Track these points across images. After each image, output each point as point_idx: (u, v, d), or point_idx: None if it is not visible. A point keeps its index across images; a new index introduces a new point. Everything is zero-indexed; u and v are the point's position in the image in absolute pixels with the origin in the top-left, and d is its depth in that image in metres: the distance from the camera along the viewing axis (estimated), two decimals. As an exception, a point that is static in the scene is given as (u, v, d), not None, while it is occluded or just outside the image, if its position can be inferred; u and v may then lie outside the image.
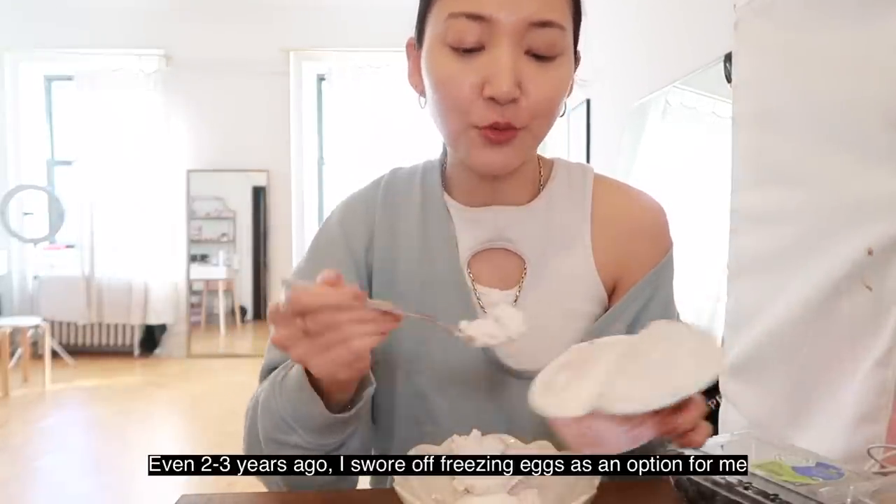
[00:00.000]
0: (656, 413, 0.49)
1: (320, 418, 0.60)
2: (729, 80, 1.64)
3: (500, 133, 0.64)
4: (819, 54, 1.23)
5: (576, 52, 0.70)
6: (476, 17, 0.61)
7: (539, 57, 0.63)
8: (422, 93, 0.70)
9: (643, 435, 0.50)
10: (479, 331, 0.59)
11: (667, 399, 0.47)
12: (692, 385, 0.48)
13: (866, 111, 1.11)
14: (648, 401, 0.47)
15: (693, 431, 0.51)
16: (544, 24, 0.61)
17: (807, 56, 1.26)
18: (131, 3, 4.98)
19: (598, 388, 0.50)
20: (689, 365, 0.49)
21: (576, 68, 0.71)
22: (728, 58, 1.66)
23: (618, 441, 0.50)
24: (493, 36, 0.61)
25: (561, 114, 0.69)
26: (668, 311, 0.75)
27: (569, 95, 0.70)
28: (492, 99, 0.62)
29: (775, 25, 1.37)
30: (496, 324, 0.59)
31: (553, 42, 0.62)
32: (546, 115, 0.65)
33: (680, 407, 0.49)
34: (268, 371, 0.76)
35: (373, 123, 4.97)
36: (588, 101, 3.59)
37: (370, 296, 0.75)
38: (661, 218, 0.76)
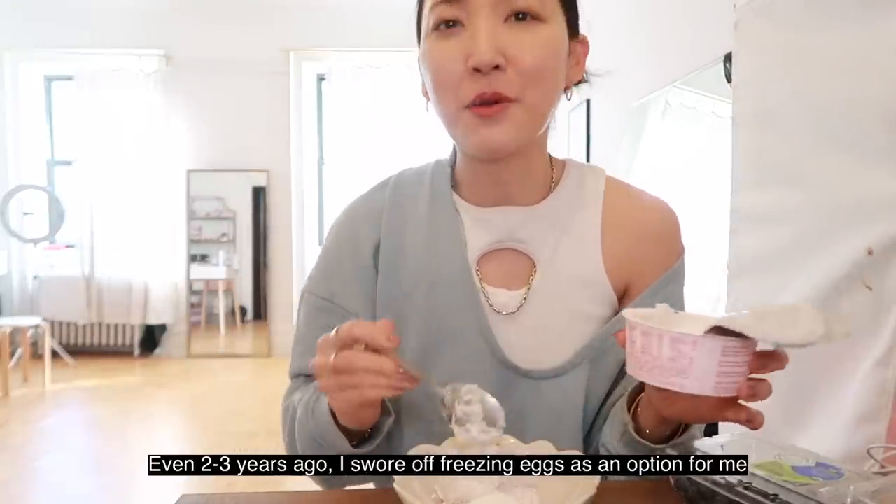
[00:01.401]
0: (753, 365, 0.50)
1: (345, 450, 0.65)
2: (729, 80, 1.64)
3: (489, 107, 0.64)
4: (819, 54, 1.23)
5: (579, 36, 0.71)
6: (451, 0, 0.64)
7: (519, 20, 0.64)
8: (429, 99, 0.71)
9: (728, 384, 0.49)
10: (471, 435, 0.60)
11: (783, 338, 0.47)
12: (803, 338, 0.47)
13: (866, 111, 1.11)
14: (766, 335, 0.47)
15: (757, 413, 0.53)
16: None
17: (807, 56, 1.26)
18: (131, 3, 4.98)
19: (710, 319, 0.49)
20: (802, 323, 0.48)
21: (585, 55, 0.72)
22: (728, 58, 1.66)
23: (705, 376, 0.49)
24: (468, 13, 0.64)
25: (568, 97, 0.70)
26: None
27: (578, 83, 0.71)
28: (477, 70, 0.63)
29: (775, 25, 1.37)
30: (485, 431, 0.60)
31: (530, 5, 0.64)
32: (537, 82, 0.65)
33: (767, 368, 0.51)
34: (296, 375, 0.79)
35: (373, 123, 4.97)
36: (588, 101, 3.59)
37: (373, 299, 0.75)
38: (673, 223, 0.76)
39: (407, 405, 0.74)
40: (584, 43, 0.72)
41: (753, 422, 0.53)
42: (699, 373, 0.49)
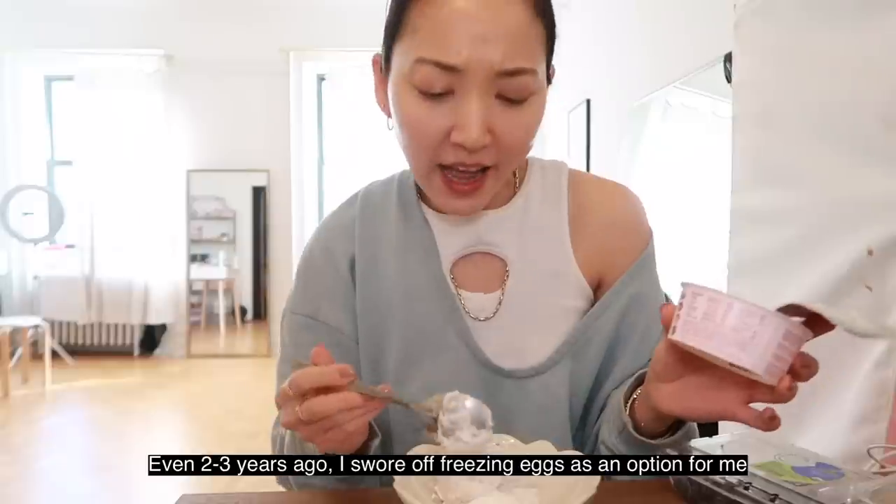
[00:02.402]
0: (796, 361, 0.49)
1: (332, 475, 0.63)
2: (729, 80, 1.64)
3: (465, 184, 0.64)
4: (818, 54, 1.23)
5: (549, 69, 0.68)
6: (445, 67, 0.60)
7: (510, 101, 0.62)
8: (389, 115, 0.70)
9: (777, 368, 0.49)
10: (463, 442, 0.59)
11: (863, 329, 0.47)
12: (871, 331, 0.47)
13: (865, 111, 1.11)
14: (848, 323, 0.47)
15: (777, 416, 0.52)
16: (515, 73, 0.60)
17: (806, 56, 1.26)
18: (131, 3, 4.98)
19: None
20: (859, 320, 0.48)
21: (550, 83, 0.70)
22: (728, 58, 1.66)
23: (763, 353, 0.48)
24: (462, 83, 0.60)
25: None
26: (657, 296, 0.76)
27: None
28: (460, 145, 0.61)
29: (775, 25, 1.37)
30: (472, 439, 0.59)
31: (524, 86, 0.62)
32: (515, 156, 0.66)
33: (810, 369, 0.51)
34: None
35: (373, 123, 4.96)
36: (588, 101, 3.59)
37: (355, 312, 0.75)
38: (638, 208, 0.77)
39: (395, 422, 0.74)
40: (552, 75, 0.70)
41: (775, 419, 0.52)
42: (758, 349, 0.48)
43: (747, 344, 0.49)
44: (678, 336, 0.52)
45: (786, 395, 0.50)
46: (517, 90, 0.61)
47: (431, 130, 0.62)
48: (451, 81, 0.60)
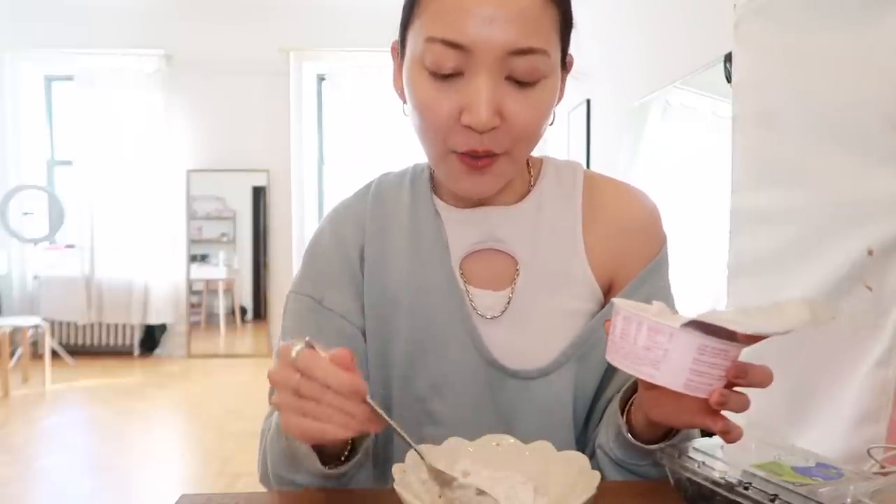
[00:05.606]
0: (731, 373, 0.49)
1: (317, 469, 0.61)
2: (729, 80, 1.64)
3: (478, 160, 0.64)
4: (819, 54, 1.23)
5: (566, 57, 0.68)
6: (454, 45, 0.59)
7: (520, 82, 0.61)
8: (405, 100, 0.69)
9: (701, 384, 0.48)
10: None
11: (769, 328, 0.46)
12: (790, 325, 0.46)
13: (866, 111, 1.11)
14: (751, 327, 0.46)
15: (735, 427, 0.52)
16: (525, 52, 0.60)
17: (807, 56, 1.27)
18: (131, 3, 4.98)
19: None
20: (789, 313, 0.48)
21: (568, 72, 0.70)
22: (728, 58, 1.66)
23: (677, 370, 0.48)
24: (471, 63, 0.60)
25: (550, 122, 0.68)
26: (668, 302, 0.74)
27: (558, 103, 0.69)
28: (470, 127, 0.61)
29: (775, 25, 1.37)
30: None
31: (535, 68, 0.61)
32: (527, 140, 0.65)
33: (746, 377, 0.50)
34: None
35: (373, 123, 4.97)
36: (588, 101, 3.59)
37: (363, 302, 0.74)
38: (653, 213, 0.76)
39: (396, 414, 0.73)
40: (570, 63, 0.70)
41: (729, 434, 0.52)
42: (671, 366, 0.48)
43: (660, 362, 0.49)
44: (607, 355, 0.53)
45: (725, 409, 0.50)
46: (527, 72, 0.61)
47: (442, 112, 0.62)
48: (460, 62, 0.60)
